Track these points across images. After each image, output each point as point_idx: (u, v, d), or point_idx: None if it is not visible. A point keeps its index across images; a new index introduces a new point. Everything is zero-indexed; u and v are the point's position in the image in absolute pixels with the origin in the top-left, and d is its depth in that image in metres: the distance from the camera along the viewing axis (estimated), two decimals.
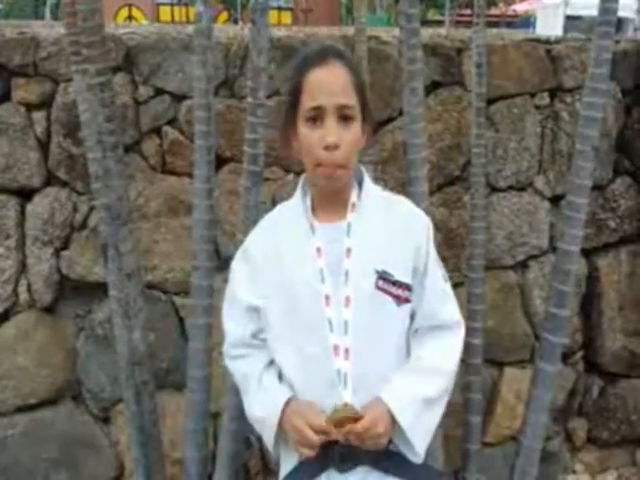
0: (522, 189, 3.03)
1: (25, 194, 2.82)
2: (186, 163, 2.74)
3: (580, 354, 3.23)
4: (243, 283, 1.53)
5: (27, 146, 2.76)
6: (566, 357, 3.14)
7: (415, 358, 1.48)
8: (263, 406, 1.48)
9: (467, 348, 2.42)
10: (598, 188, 3.05)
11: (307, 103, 1.37)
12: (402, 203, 1.56)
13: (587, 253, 3.11)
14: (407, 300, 1.45)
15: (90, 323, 2.90)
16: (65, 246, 2.84)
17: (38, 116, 2.76)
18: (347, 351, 1.41)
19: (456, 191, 2.97)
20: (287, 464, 1.51)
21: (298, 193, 1.52)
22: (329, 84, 1.36)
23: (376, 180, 2.49)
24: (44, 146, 2.79)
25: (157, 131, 2.81)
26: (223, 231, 2.77)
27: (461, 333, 1.54)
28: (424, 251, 1.48)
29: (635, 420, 3.30)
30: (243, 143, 2.06)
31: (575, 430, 3.29)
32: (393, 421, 1.39)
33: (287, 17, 19.09)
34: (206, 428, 2.19)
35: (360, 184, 1.50)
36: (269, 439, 1.48)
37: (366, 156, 2.37)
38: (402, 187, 2.77)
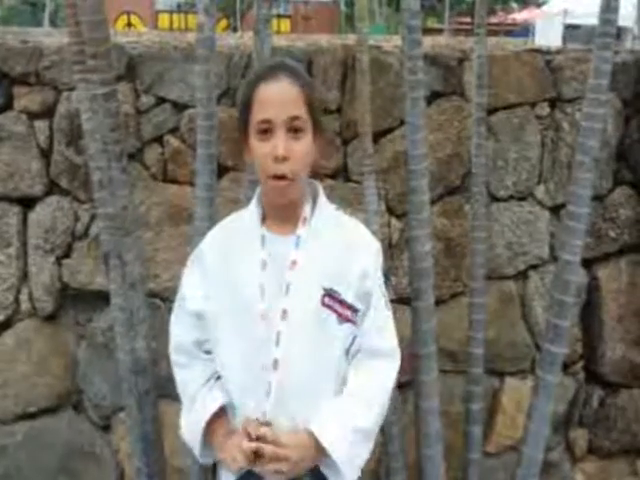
0: (522, 199, 3.03)
1: (27, 202, 2.83)
2: (187, 172, 2.74)
3: (580, 364, 3.23)
4: (191, 288, 1.55)
5: (29, 155, 2.77)
6: (566, 367, 3.14)
7: (351, 388, 1.47)
8: (191, 427, 1.54)
9: (468, 358, 2.43)
10: (598, 198, 3.06)
11: (257, 116, 1.38)
12: (354, 225, 1.56)
13: (587, 263, 3.11)
14: (349, 320, 1.46)
15: (91, 331, 2.90)
16: (66, 255, 2.84)
17: (40, 125, 2.77)
18: (276, 362, 1.42)
19: (457, 201, 2.97)
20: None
21: (254, 202, 1.52)
22: (278, 97, 1.38)
23: (377, 189, 2.52)
24: (46, 155, 2.80)
25: (159, 140, 2.82)
26: None
27: (397, 361, 1.55)
28: (371, 278, 1.48)
29: (636, 430, 3.29)
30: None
31: (576, 440, 3.28)
32: (317, 452, 1.40)
33: (286, 24, 19.22)
34: None
35: (315, 200, 1.51)
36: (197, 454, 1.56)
37: (366, 166, 2.38)
38: (403, 197, 2.79)
